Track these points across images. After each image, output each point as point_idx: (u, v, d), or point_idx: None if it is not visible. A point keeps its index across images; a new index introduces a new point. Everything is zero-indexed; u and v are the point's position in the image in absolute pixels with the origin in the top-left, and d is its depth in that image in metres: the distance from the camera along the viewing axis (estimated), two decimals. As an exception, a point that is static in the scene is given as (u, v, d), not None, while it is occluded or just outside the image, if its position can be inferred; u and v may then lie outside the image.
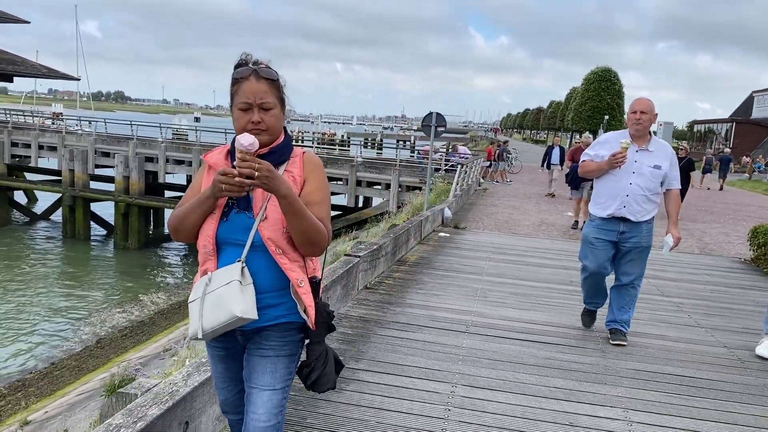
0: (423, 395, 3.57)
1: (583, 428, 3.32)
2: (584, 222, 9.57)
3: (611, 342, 4.69)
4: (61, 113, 57.12)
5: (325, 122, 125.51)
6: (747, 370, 4.42)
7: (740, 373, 4.36)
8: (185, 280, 20.96)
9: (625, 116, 4.56)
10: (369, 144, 60.28)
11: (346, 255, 5.34)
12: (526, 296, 6.14)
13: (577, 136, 39.14)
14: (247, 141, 1.83)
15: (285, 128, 2.09)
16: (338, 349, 4.11)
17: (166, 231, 27.81)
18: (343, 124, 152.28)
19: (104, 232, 27.11)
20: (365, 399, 3.46)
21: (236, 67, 2.01)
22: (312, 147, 37.34)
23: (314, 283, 2.07)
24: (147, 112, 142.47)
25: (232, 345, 2.12)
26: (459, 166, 17.97)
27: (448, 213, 10.96)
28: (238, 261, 1.95)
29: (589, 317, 5.10)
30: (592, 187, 8.36)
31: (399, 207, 20.54)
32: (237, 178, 1.82)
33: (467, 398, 3.59)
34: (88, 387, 9.52)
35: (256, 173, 1.81)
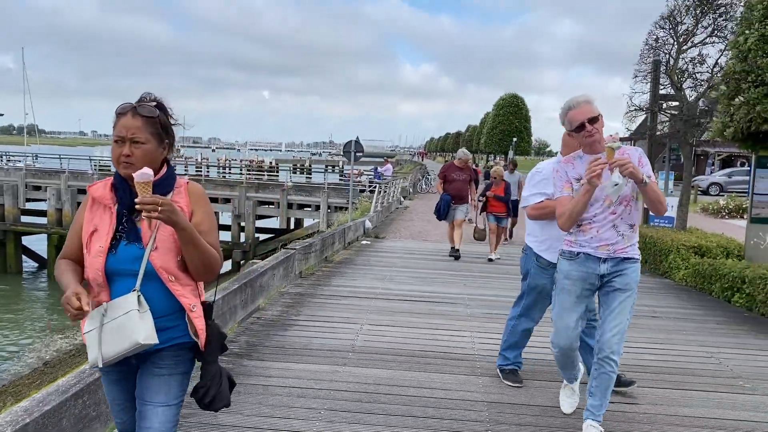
0: (342, 329, 5.39)
1: (441, 344, 5.21)
2: (457, 248, 9.94)
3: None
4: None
5: (252, 149, 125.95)
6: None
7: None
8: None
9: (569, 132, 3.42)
10: (298, 169, 61.88)
11: (284, 248, 7.09)
12: (423, 278, 8.07)
13: (492, 157, 42.14)
14: (145, 176, 1.97)
15: (168, 160, 2.20)
16: (282, 311, 5.85)
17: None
18: (271, 150, 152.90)
19: (36, 266, 27.39)
20: (307, 332, 5.22)
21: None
22: (241, 174, 38.56)
23: (207, 306, 2.21)
24: (63, 144, 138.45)
25: (126, 368, 2.18)
26: (380, 185, 19.99)
27: (368, 224, 12.85)
28: (134, 290, 2.04)
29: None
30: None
31: (329, 226, 22.27)
32: (145, 212, 1.95)
33: (371, 330, 5.43)
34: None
35: (160, 208, 1.93)
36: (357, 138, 16.00)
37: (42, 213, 27.68)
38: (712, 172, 37.64)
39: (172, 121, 2.18)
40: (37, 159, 34.22)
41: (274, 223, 27.89)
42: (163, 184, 2.13)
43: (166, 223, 1.99)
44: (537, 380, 4.35)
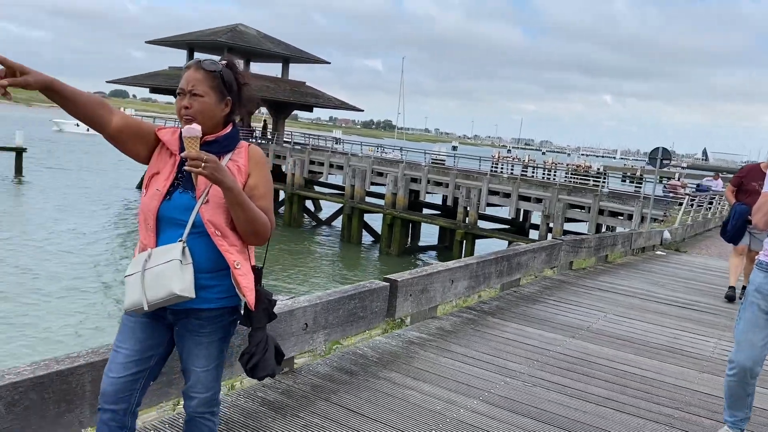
0: (586, 313, 5.95)
1: (680, 342, 5.37)
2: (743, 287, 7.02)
3: None
4: (340, 138, 67.59)
5: (583, 154, 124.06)
6: None
7: None
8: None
9: None
10: (628, 178, 59.47)
11: (553, 238, 7.78)
12: (698, 290, 7.91)
13: None
14: (193, 131, 1.97)
15: (233, 121, 2.20)
16: (538, 290, 6.61)
17: (422, 243, 32.25)
18: (603, 157, 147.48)
19: (371, 240, 32.34)
20: (552, 309, 5.91)
21: None
22: (566, 177, 38.76)
23: (256, 270, 2.17)
24: (409, 139, 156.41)
25: (152, 321, 2.17)
26: (699, 197, 18.66)
27: (666, 235, 12.44)
28: (180, 240, 2.04)
29: None
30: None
31: (635, 235, 21.48)
32: (188, 166, 1.93)
33: (614, 319, 5.87)
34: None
35: (203, 164, 1.90)
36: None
37: (381, 196, 32.45)
38: None
39: (241, 81, 2.19)
40: (402, 151, 39.74)
41: (583, 227, 27.84)
42: (224, 142, 2.14)
43: (209, 180, 1.97)
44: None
